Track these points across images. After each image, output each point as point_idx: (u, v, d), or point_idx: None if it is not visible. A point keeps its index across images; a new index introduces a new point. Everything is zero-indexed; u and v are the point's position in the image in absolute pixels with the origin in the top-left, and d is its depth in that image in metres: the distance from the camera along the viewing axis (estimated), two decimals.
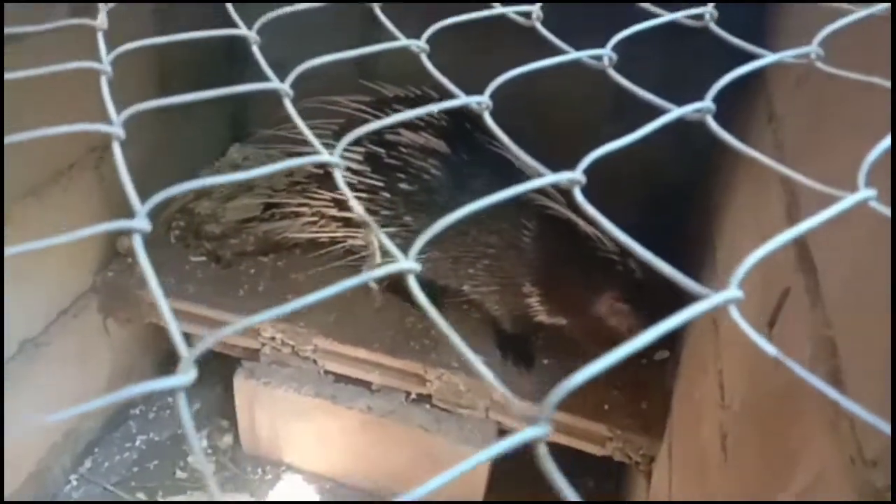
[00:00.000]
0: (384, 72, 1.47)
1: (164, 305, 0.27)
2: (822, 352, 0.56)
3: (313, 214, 1.28)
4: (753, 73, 1.12)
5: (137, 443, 1.47)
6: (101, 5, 0.46)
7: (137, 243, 0.27)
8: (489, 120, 0.35)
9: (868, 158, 0.31)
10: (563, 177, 0.30)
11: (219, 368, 1.44)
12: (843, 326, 0.54)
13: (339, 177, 0.32)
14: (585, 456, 1.19)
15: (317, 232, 1.28)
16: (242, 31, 0.41)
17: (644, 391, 1.18)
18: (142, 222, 0.28)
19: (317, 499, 1.38)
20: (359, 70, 1.50)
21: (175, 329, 0.27)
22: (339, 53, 0.41)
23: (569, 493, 0.24)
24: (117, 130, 0.32)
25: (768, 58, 0.35)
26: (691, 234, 1.28)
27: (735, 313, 0.26)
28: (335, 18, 1.45)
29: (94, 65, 0.39)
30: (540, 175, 0.30)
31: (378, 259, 0.30)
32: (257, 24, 0.43)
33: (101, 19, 0.43)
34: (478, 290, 1.20)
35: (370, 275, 0.27)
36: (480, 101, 0.35)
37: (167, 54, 1.35)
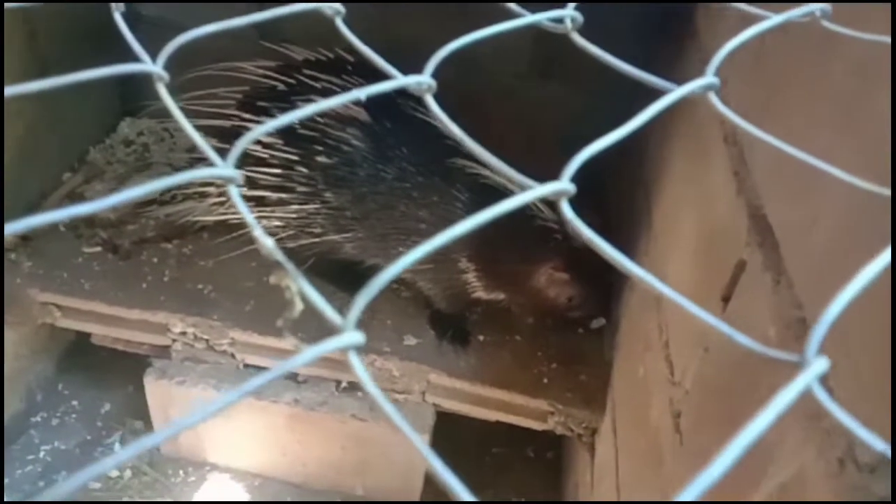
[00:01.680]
0: (289, 31, 1.35)
1: None
2: (791, 334, 0.52)
3: (220, 194, 1.16)
4: (682, 20, 1.06)
5: (41, 454, 1.33)
6: None
7: None
8: (433, 105, 0.27)
9: None
10: (548, 189, 0.23)
11: (127, 367, 1.32)
12: (817, 308, 0.50)
13: (236, 194, 0.24)
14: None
15: (226, 213, 1.16)
16: None
17: (582, 363, 1.15)
18: None
19: (246, 497, 1.29)
20: (259, 30, 1.37)
21: None
22: (230, 20, 0.32)
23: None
24: None
25: (775, 18, 0.29)
26: (623, 195, 1.24)
27: (819, 390, 0.19)
28: None
29: None
30: (526, 187, 0.23)
31: (299, 307, 0.22)
32: None
33: None
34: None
35: (312, 352, 0.20)
36: (421, 82, 0.27)
37: (36, 10, 1.18)
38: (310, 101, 1.06)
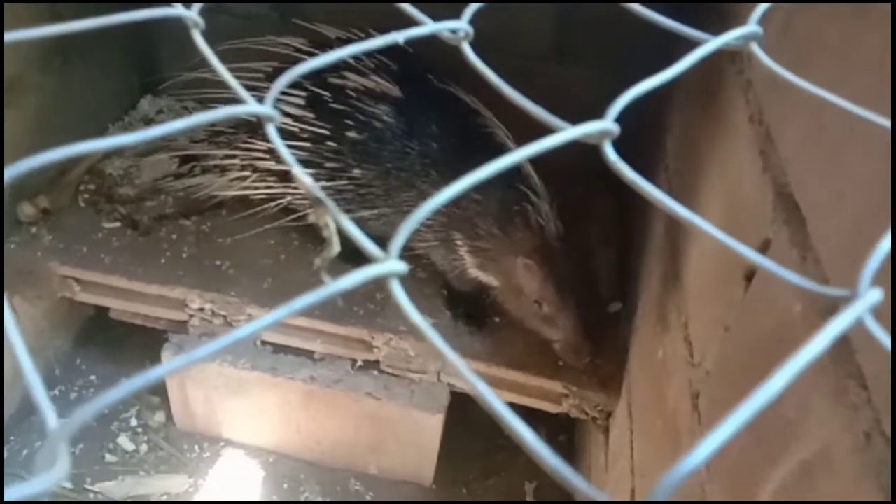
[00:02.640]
0: (307, 11, 1.35)
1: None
2: (818, 309, 0.52)
3: (243, 168, 1.16)
4: (707, 5, 1.04)
5: None
6: None
7: None
8: (470, 53, 0.27)
9: None
10: (591, 128, 0.22)
11: (144, 342, 1.33)
12: (845, 283, 0.49)
13: (274, 132, 0.24)
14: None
15: (248, 188, 1.17)
16: None
17: (598, 345, 1.14)
18: None
19: (260, 473, 1.30)
20: (278, 11, 1.37)
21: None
22: None
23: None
24: None
25: None
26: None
27: (871, 321, 0.19)
28: None
29: None
30: (560, 128, 0.23)
31: (337, 247, 0.22)
32: None
33: None
34: (422, 245, 1.12)
35: (356, 277, 0.19)
36: (457, 29, 0.27)
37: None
38: (342, 77, 1.06)
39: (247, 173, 1.14)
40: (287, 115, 1.06)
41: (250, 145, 1.12)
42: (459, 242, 1.08)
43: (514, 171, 1.01)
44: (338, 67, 1.08)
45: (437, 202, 0.21)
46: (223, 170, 1.17)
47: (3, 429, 1.25)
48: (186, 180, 1.23)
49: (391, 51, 1.08)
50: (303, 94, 1.08)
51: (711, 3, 0.97)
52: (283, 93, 1.10)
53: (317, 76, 1.08)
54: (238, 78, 1.03)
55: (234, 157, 1.15)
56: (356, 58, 1.08)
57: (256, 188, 1.14)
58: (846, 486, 0.42)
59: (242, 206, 1.20)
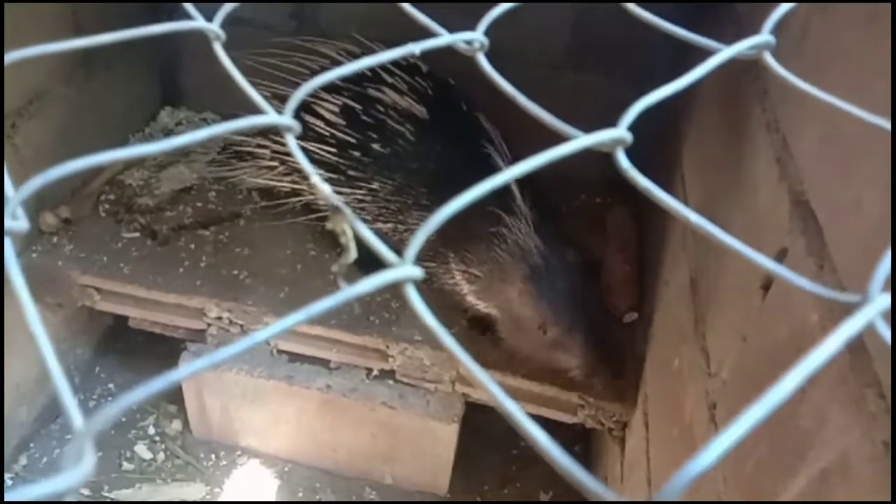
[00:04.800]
0: (325, 24, 1.36)
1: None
2: (834, 319, 0.51)
3: (272, 159, 1.18)
4: (722, 9, 1.04)
5: None
6: None
7: (7, 248, 0.19)
8: (485, 64, 0.27)
9: None
10: (604, 136, 0.23)
11: (162, 351, 1.34)
12: (861, 292, 0.49)
13: (293, 142, 0.24)
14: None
15: (272, 179, 1.19)
16: None
17: (615, 356, 1.14)
18: (18, 223, 0.20)
19: (276, 481, 1.31)
20: (297, 23, 1.39)
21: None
22: None
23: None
24: None
25: None
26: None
27: (882, 325, 0.19)
28: None
29: None
30: (573, 136, 0.23)
31: (353, 254, 0.22)
32: None
33: None
34: (424, 264, 1.13)
35: (371, 282, 0.20)
36: (472, 40, 0.27)
37: (82, 4, 1.21)
38: (381, 91, 1.08)
39: (275, 164, 1.17)
40: (321, 117, 1.09)
41: (281, 137, 1.15)
42: (454, 265, 1.08)
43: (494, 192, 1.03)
44: (377, 80, 1.10)
45: (452, 209, 0.22)
46: (255, 157, 1.19)
47: (2, 433, 1.26)
48: (221, 168, 1.27)
49: (433, 79, 1.12)
50: (338, 102, 1.10)
51: (729, 1, 0.97)
52: (322, 98, 1.12)
53: (357, 86, 1.10)
54: (283, 71, 1.04)
55: (265, 146, 1.17)
56: (395, 75, 1.11)
57: (281, 180, 1.17)
58: (864, 494, 0.42)
59: (259, 218, 1.22)
